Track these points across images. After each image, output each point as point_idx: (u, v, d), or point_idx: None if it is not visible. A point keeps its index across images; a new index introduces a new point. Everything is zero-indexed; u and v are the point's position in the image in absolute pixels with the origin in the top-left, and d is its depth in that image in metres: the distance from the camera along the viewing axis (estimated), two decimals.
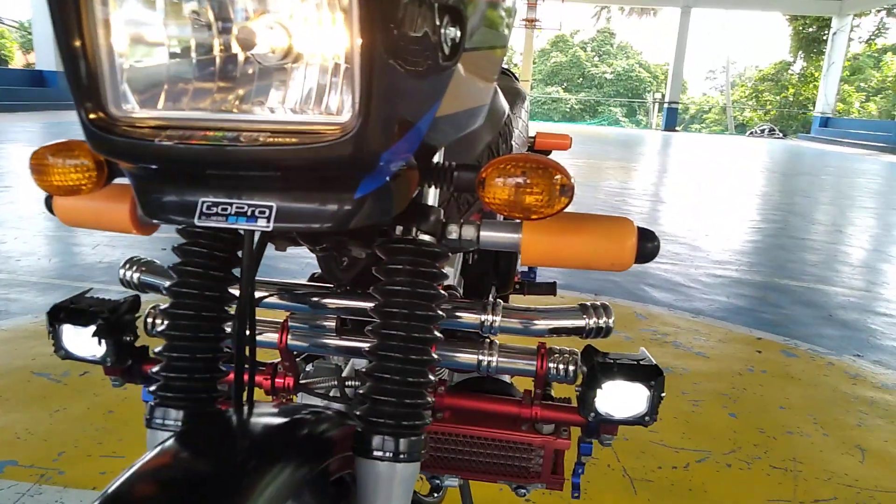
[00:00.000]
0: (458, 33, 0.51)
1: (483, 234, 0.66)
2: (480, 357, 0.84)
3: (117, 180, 0.66)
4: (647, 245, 0.64)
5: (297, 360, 0.96)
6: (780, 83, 38.60)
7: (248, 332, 0.62)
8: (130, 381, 0.91)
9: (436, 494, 1.23)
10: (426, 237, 0.65)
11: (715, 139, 25.78)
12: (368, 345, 0.64)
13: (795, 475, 1.91)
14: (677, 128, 27.43)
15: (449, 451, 0.95)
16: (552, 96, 42.42)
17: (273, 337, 0.86)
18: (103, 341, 0.84)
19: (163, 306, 0.70)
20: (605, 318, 0.81)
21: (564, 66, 44.05)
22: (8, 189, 5.79)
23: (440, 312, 0.66)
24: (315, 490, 0.62)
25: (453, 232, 0.67)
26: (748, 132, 32.98)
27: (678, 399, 2.36)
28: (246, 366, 0.63)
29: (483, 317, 0.81)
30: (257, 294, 0.82)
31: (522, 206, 0.57)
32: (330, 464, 0.59)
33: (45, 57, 17.12)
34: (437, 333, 0.66)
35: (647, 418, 0.77)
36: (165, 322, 0.67)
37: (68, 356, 0.86)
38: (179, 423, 0.65)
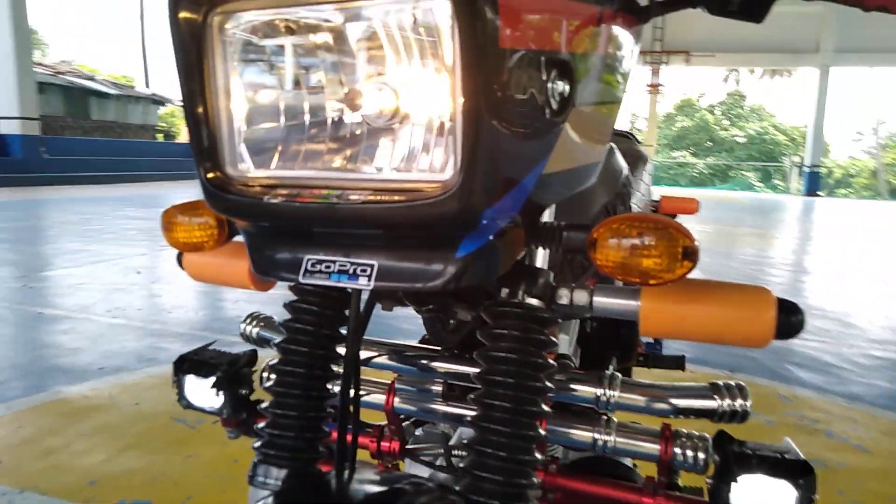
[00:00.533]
0: (567, 88, 0.50)
1: (597, 299, 0.62)
2: (596, 435, 0.77)
3: (237, 238, 0.69)
4: (790, 319, 0.57)
5: (405, 423, 0.94)
6: None
7: (352, 393, 0.62)
8: (245, 434, 0.93)
9: None
10: (534, 301, 0.62)
11: (864, 205, 23.69)
12: (473, 414, 0.62)
13: None
14: (820, 193, 25.51)
15: None
16: (678, 161, 41.17)
17: (380, 398, 0.85)
18: (221, 393, 0.87)
19: (272, 362, 0.72)
20: (740, 401, 0.73)
21: (691, 130, 42.77)
22: (165, 248, 6.40)
23: (549, 384, 0.62)
24: None
25: (564, 296, 0.63)
26: None
27: (834, 499, 2.09)
28: (349, 427, 0.62)
29: (599, 391, 0.76)
30: (364, 354, 0.83)
31: (639, 270, 0.53)
32: None
33: None
34: (545, 407, 0.62)
35: None
36: (273, 378, 0.68)
37: (189, 406, 0.90)
38: (279, 483, 0.65)
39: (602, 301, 0.62)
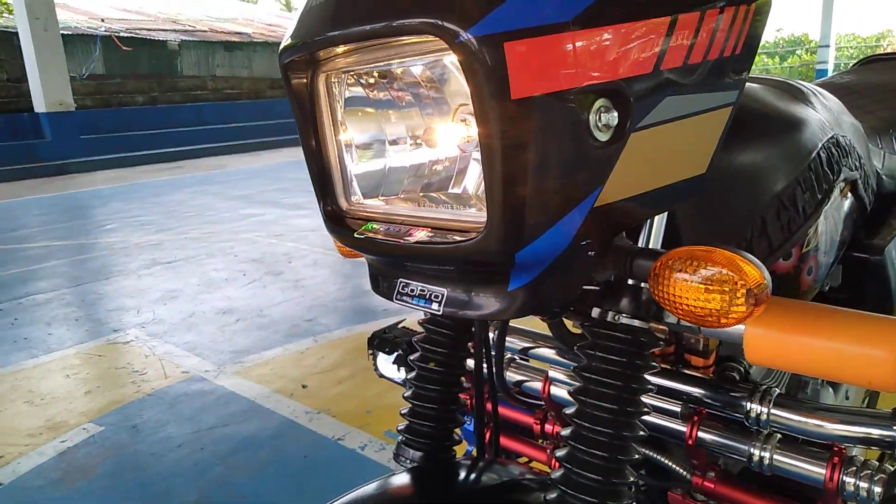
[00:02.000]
0: (616, 117, 0.46)
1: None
2: (753, 450, 0.70)
3: None
4: None
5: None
6: None
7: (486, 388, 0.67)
8: None
9: None
10: (635, 322, 0.58)
11: None
12: (568, 431, 0.61)
13: None
14: None
15: None
16: None
17: (537, 385, 0.88)
18: (402, 368, 0.98)
19: (413, 357, 0.79)
20: None
21: None
22: None
23: (644, 408, 0.59)
24: None
25: (670, 315, 0.58)
26: None
27: None
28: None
29: (750, 405, 0.68)
30: (516, 343, 0.88)
31: (693, 311, 0.48)
32: None
33: None
34: (640, 430, 0.59)
35: None
36: (414, 370, 0.76)
37: (382, 376, 1.03)
38: (417, 462, 0.73)
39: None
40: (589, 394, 0.58)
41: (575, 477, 0.57)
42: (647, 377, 0.59)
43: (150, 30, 16.81)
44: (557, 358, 0.85)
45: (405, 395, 0.79)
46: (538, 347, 0.88)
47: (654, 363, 0.59)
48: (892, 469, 0.63)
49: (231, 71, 17.56)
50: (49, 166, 10.77)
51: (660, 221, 0.59)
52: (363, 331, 3.18)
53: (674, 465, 0.82)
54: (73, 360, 3.04)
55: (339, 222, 0.62)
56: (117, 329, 3.39)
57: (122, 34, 15.58)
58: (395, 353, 0.99)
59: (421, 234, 0.54)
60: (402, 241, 0.55)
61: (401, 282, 0.59)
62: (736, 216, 0.73)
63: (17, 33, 11.43)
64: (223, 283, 4.10)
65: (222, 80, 16.82)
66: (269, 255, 4.76)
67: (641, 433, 0.59)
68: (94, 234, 5.98)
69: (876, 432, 0.63)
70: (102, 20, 16.26)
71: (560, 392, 0.87)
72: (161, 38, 16.44)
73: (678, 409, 0.76)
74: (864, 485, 0.64)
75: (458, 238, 0.51)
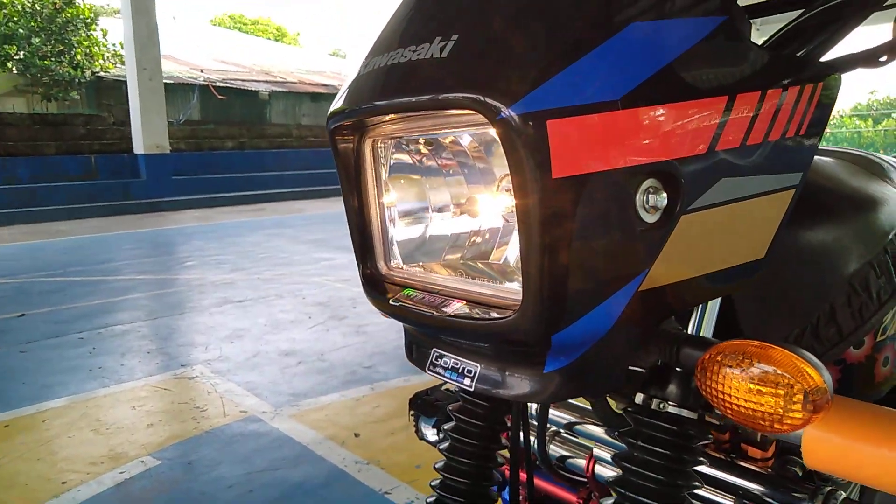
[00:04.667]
0: (665, 198, 0.44)
1: None
2: None
3: None
4: None
5: None
6: None
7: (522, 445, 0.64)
8: None
9: None
10: (683, 412, 0.53)
11: None
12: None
13: None
14: None
15: None
16: None
17: (581, 462, 0.84)
18: (440, 431, 0.95)
19: (451, 406, 0.76)
20: None
21: None
22: None
23: (695, 471, 0.54)
24: None
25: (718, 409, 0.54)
26: None
27: None
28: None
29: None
30: (560, 416, 0.85)
31: (743, 412, 0.44)
32: None
33: None
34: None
35: None
36: (451, 425, 0.73)
37: (422, 438, 1.00)
38: None
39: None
40: (629, 486, 0.54)
41: None
42: (697, 470, 0.54)
43: (244, 80, 17.89)
44: (604, 436, 0.80)
45: (441, 447, 0.76)
46: (584, 424, 0.83)
47: (702, 458, 0.54)
48: None
49: (315, 120, 18.39)
50: (142, 204, 11.48)
51: (712, 307, 0.55)
52: (420, 382, 3.15)
53: None
54: (140, 391, 3.14)
55: (376, 286, 0.61)
56: (185, 364, 3.49)
57: (218, 84, 16.64)
58: (436, 418, 0.96)
59: (457, 306, 0.53)
60: (437, 312, 0.53)
61: (435, 352, 0.58)
62: (801, 302, 0.67)
63: (125, 81, 12.40)
64: (289, 325, 4.17)
65: (307, 128, 17.61)
66: (335, 299, 4.84)
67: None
68: (174, 269, 6.27)
69: None
70: (202, 70, 17.44)
71: (606, 472, 0.81)
72: (253, 89, 17.44)
73: None
74: None
75: (495, 315, 0.49)
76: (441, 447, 0.75)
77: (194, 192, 12.33)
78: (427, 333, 0.58)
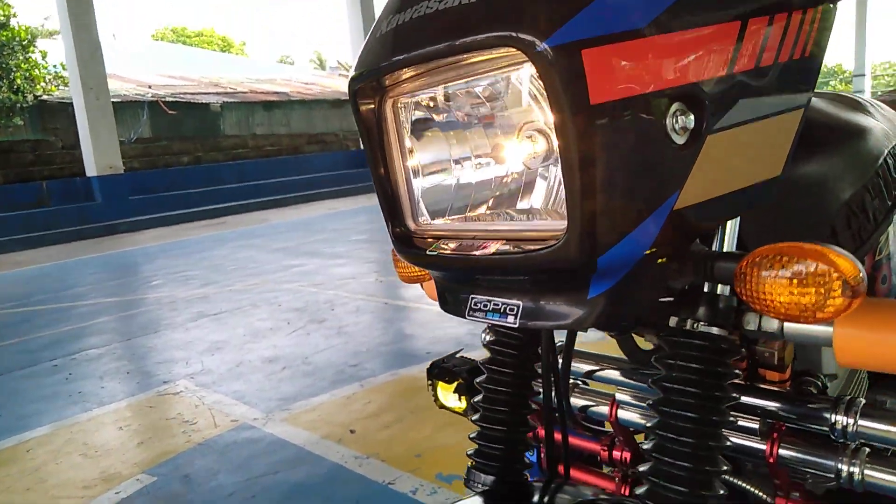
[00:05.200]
0: (692, 120, 0.47)
1: (787, 325, 0.55)
2: (841, 465, 0.66)
3: None
4: None
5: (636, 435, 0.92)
6: None
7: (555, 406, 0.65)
8: None
9: None
10: (715, 330, 0.56)
11: None
12: (650, 444, 0.58)
13: None
14: None
15: None
16: None
17: (604, 409, 0.86)
18: (463, 397, 0.96)
19: (479, 379, 0.77)
20: None
21: None
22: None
23: (728, 418, 0.56)
24: None
25: (751, 322, 0.57)
26: None
27: None
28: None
29: (835, 416, 0.65)
30: (581, 366, 0.86)
31: (786, 308, 0.46)
32: None
33: None
34: (725, 440, 0.57)
35: None
36: (481, 393, 0.74)
37: (442, 406, 1.01)
38: (488, 486, 0.71)
39: (794, 327, 0.55)
40: (671, 404, 0.56)
41: (662, 491, 0.55)
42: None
43: (193, 93, 17.56)
44: (623, 379, 0.83)
45: (473, 418, 0.77)
46: (602, 370, 0.85)
47: (738, 370, 0.57)
48: None
49: (270, 129, 18.17)
50: (99, 227, 11.20)
51: (732, 227, 0.58)
52: (408, 374, 3.16)
53: (754, 489, 0.77)
54: (125, 412, 3.08)
55: (407, 243, 0.62)
56: (167, 381, 3.43)
57: (167, 99, 16.30)
58: (456, 383, 0.97)
59: (494, 247, 0.54)
60: (475, 253, 0.55)
61: (472, 298, 0.59)
62: (806, 225, 0.71)
63: (71, 103, 12.06)
64: (268, 333, 4.13)
65: (262, 138, 17.41)
66: (311, 303, 4.81)
67: (728, 443, 0.56)
68: (142, 290, 6.14)
69: None
70: (149, 87, 17.07)
71: (627, 415, 0.84)
72: (204, 101, 17.14)
73: (756, 427, 0.72)
74: None
75: (535, 247, 0.50)
76: (473, 418, 0.76)
77: (153, 211, 12.07)
78: (465, 279, 0.59)
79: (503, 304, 0.56)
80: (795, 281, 0.46)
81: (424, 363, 3.23)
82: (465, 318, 0.59)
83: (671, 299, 0.57)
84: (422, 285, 0.90)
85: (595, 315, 0.51)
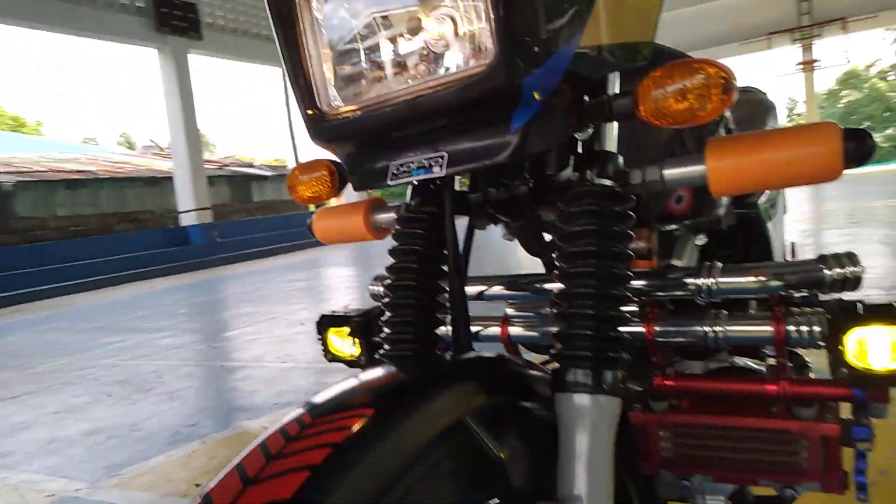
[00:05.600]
0: None
1: (666, 172, 0.63)
2: (705, 327, 0.75)
3: (349, 199, 0.80)
4: (858, 146, 0.54)
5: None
6: None
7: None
8: None
9: None
10: (607, 182, 0.62)
11: None
12: (559, 289, 0.62)
13: None
14: None
15: (695, 448, 0.84)
16: None
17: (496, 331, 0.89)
18: (357, 341, 0.94)
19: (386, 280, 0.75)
20: (850, 268, 0.68)
21: (862, 102, 38.80)
22: (324, 301, 6.82)
23: (628, 252, 0.62)
24: (518, 428, 0.60)
25: (636, 176, 0.64)
26: None
27: None
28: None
29: (700, 280, 0.73)
30: (474, 289, 0.89)
31: (681, 113, 0.54)
32: (530, 407, 0.61)
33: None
34: (629, 280, 0.62)
35: None
36: (387, 284, 0.71)
37: (334, 359, 0.98)
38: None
39: (672, 172, 0.63)
40: (577, 256, 0.60)
41: (569, 348, 0.59)
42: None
43: None
44: (516, 293, 0.87)
45: (384, 301, 0.71)
46: (493, 286, 0.89)
47: (632, 213, 0.62)
48: (831, 306, 0.69)
49: (73, 210, 16.64)
50: None
51: (613, 79, 0.65)
52: (256, 425, 2.96)
53: (632, 386, 0.84)
54: None
55: (320, 122, 0.63)
56: None
57: None
58: (349, 328, 0.95)
59: (416, 94, 0.57)
60: (400, 100, 0.57)
61: (393, 163, 0.61)
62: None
63: None
64: (86, 407, 3.67)
65: (66, 218, 15.86)
66: (135, 374, 4.36)
67: (628, 290, 0.61)
68: None
69: (808, 275, 0.70)
70: None
71: (518, 331, 0.88)
72: None
73: (636, 309, 0.80)
74: (804, 328, 0.70)
75: (462, 78, 0.54)
76: (384, 301, 0.73)
77: None
78: (384, 144, 0.61)
79: (427, 159, 0.58)
80: (685, 91, 0.53)
81: (271, 414, 3.06)
82: (389, 184, 0.61)
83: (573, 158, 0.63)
84: (311, 224, 0.89)
85: (515, 146, 0.55)
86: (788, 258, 1.81)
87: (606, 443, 0.56)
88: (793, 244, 1.91)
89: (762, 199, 1.20)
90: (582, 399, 0.56)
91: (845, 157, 0.54)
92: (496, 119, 0.55)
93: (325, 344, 0.98)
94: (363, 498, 0.44)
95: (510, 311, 0.89)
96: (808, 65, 22.41)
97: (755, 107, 1.45)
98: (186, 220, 15.26)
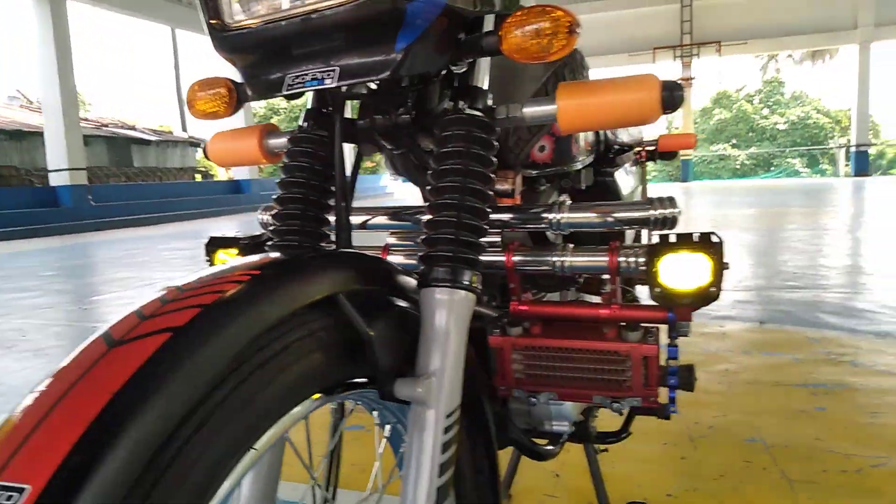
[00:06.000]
0: None
1: (526, 109, 0.74)
2: (555, 258, 0.89)
3: (244, 124, 0.84)
4: (672, 94, 0.68)
5: None
6: None
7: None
8: None
9: (553, 447, 1.23)
10: (477, 112, 0.72)
11: None
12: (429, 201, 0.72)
13: None
14: (871, 174, 24.79)
15: (542, 368, 0.98)
16: (718, 154, 40.54)
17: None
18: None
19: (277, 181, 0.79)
20: (670, 209, 0.83)
21: (730, 122, 42.10)
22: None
23: (491, 175, 0.72)
24: (386, 314, 0.67)
25: (502, 111, 0.75)
26: None
27: (853, 411, 2.11)
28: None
29: (552, 214, 0.87)
30: (360, 219, 0.98)
31: (536, 49, 0.65)
32: (398, 299, 0.68)
33: (242, 170, 19.71)
34: (492, 198, 0.72)
35: (712, 289, 0.77)
36: (277, 209, 0.76)
37: None
38: None
39: (530, 110, 0.74)
40: (446, 173, 0.70)
41: (436, 244, 0.68)
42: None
43: None
44: (394, 223, 0.97)
45: (274, 196, 0.77)
46: (377, 216, 0.99)
47: (496, 142, 0.73)
48: (650, 244, 0.84)
49: None
50: None
51: (487, 21, 0.74)
52: None
53: (489, 311, 0.97)
54: None
55: (222, 33, 0.68)
56: None
57: None
58: (237, 248, 1.01)
59: (311, 9, 0.63)
60: (295, 17, 0.62)
61: (288, 74, 0.66)
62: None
63: None
64: None
65: None
66: None
67: (492, 218, 0.72)
68: None
69: (637, 214, 0.86)
70: None
71: (398, 259, 0.98)
72: None
73: (497, 240, 0.92)
74: (631, 259, 0.85)
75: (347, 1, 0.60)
76: (275, 196, 0.77)
77: None
78: (279, 55, 0.66)
79: (320, 71, 0.65)
80: (543, 26, 0.64)
81: None
82: (283, 93, 0.66)
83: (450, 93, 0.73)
84: (206, 147, 0.94)
85: (398, 63, 0.62)
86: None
87: (460, 330, 0.67)
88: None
89: (616, 171, 1.38)
90: (442, 293, 0.67)
91: (662, 103, 0.68)
92: (383, 39, 0.62)
93: (212, 265, 1.03)
94: (230, 351, 0.47)
95: (391, 241, 0.99)
96: (687, 81, 24.11)
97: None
98: (57, 180, 14.14)
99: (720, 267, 0.76)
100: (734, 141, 41.76)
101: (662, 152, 1.88)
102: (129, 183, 19.02)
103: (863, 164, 23.90)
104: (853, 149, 24.12)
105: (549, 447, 1.21)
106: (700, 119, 41.87)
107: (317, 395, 0.58)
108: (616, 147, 1.44)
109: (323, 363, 0.58)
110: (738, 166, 39.62)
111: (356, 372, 0.63)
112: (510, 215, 0.90)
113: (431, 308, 0.67)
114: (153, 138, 22.07)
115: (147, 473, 0.41)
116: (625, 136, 1.47)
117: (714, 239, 0.77)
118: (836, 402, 2.20)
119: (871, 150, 26.54)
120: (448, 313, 0.66)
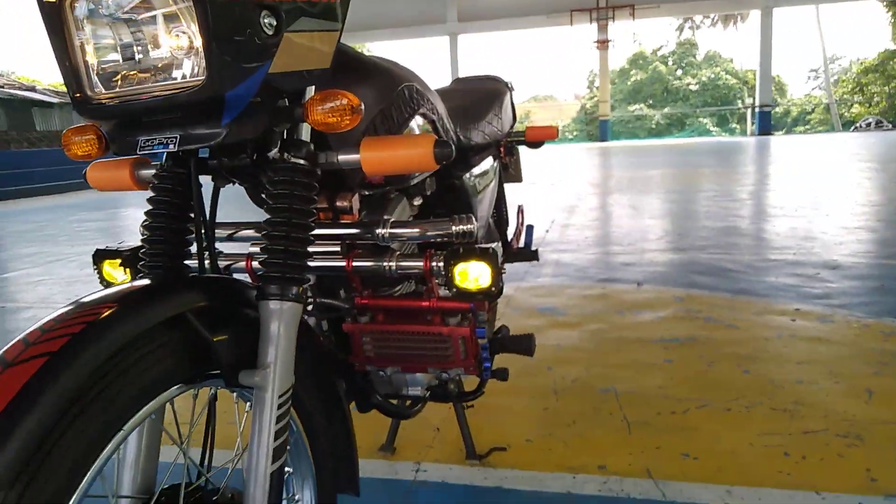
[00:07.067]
0: (275, 22, 0.80)
1: (340, 157, 0.94)
2: (384, 263, 1.10)
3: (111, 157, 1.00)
4: (441, 150, 0.90)
5: None
6: (887, 73, 36.29)
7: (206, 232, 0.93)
8: None
9: (415, 408, 1.47)
10: (301, 161, 0.91)
11: (814, 138, 24.49)
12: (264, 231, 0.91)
13: (793, 414, 1.99)
14: (775, 132, 26.36)
15: (388, 347, 1.22)
16: (635, 114, 41.85)
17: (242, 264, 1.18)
18: (128, 270, 1.17)
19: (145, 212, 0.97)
20: (467, 225, 1.06)
21: (645, 82, 43.43)
22: (121, 243, 6.55)
23: (313, 209, 0.92)
24: (231, 323, 0.87)
25: (322, 158, 0.95)
26: (852, 128, 31.26)
27: (695, 362, 2.47)
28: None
29: (380, 230, 1.08)
30: (226, 232, 1.16)
31: (331, 123, 0.84)
32: (241, 310, 0.89)
33: None
34: (313, 230, 0.92)
35: (493, 289, 1.01)
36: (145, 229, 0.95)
37: (109, 285, 1.20)
38: None
39: (344, 158, 0.94)
40: (277, 211, 0.89)
41: (269, 267, 0.88)
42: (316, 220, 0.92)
43: None
44: (257, 235, 1.16)
45: (142, 238, 0.95)
46: (242, 230, 1.17)
47: (317, 184, 0.93)
48: (448, 253, 1.07)
49: None
50: None
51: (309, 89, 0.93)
52: None
53: (341, 304, 1.18)
54: None
55: (85, 103, 0.83)
56: None
57: None
58: (120, 259, 1.18)
59: (158, 92, 0.80)
60: (143, 98, 0.80)
61: (141, 139, 0.83)
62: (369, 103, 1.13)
63: None
64: None
65: None
66: None
67: (313, 236, 0.92)
68: None
69: (440, 231, 1.08)
70: None
71: (258, 265, 1.16)
72: None
73: (338, 249, 1.13)
74: (440, 264, 1.08)
75: (187, 88, 0.78)
76: (143, 224, 0.95)
77: None
78: (134, 124, 0.83)
79: (165, 137, 0.81)
80: (331, 107, 0.83)
81: None
82: (137, 153, 0.83)
83: (278, 146, 0.91)
84: (86, 174, 1.10)
85: (225, 135, 0.79)
86: (514, 218, 2.29)
87: (290, 332, 0.88)
88: (520, 206, 2.40)
89: (465, 175, 1.60)
90: (275, 304, 0.87)
91: (434, 156, 0.89)
92: (212, 116, 0.79)
93: (100, 273, 1.19)
94: (91, 366, 0.65)
95: (253, 249, 1.17)
96: (603, 43, 24.73)
97: (494, 88, 1.90)
98: None
99: (498, 272, 1.00)
100: (650, 101, 43.20)
101: (530, 141, 2.13)
102: (32, 149, 18.00)
103: (766, 124, 25.39)
104: (757, 109, 25.53)
105: (413, 408, 1.46)
106: (618, 80, 42.99)
107: (177, 386, 0.79)
108: (470, 147, 1.66)
109: (176, 365, 0.79)
110: (653, 126, 41.13)
111: (210, 367, 0.85)
112: (348, 230, 1.11)
113: (267, 316, 0.87)
114: (56, 100, 20.86)
115: (38, 453, 0.61)
116: (478, 137, 1.69)
117: (490, 251, 1.00)
118: (683, 353, 2.56)
119: (778, 109, 28.09)
120: (279, 320, 0.87)
